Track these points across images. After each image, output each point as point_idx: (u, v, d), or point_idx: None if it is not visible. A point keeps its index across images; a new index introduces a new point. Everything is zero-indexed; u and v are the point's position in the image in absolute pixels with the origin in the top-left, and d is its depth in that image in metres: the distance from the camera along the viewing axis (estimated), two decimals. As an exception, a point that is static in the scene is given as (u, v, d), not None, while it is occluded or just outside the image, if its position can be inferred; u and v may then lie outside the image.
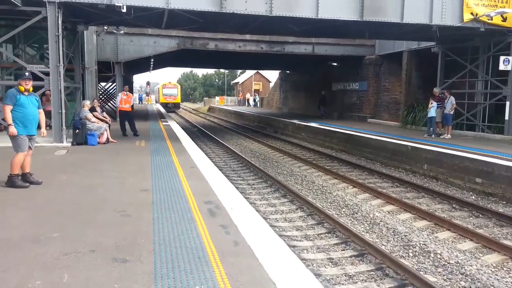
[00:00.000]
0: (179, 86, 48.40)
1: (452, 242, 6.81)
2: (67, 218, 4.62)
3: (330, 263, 5.96)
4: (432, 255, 6.14)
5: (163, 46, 19.21)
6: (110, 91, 26.44)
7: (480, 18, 12.12)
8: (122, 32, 15.69)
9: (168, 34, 19.02)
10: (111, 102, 25.05)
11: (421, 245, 6.54)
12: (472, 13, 12.08)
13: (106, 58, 18.67)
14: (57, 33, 10.06)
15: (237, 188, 9.57)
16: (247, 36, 19.59)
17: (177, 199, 5.57)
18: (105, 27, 15.33)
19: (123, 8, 10.09)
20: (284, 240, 6.84)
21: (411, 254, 6.27)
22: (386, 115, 20.74)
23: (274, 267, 3.44)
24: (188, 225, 4.44)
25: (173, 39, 19.33)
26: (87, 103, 11.65)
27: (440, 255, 6.13)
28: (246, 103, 50.16)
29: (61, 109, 10.20)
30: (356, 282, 5.30)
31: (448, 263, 5.89)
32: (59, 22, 10.07)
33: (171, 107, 42.77)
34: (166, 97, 44.73)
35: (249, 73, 60.14)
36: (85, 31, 14.88)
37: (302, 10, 10.91)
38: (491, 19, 12.20)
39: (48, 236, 4.00)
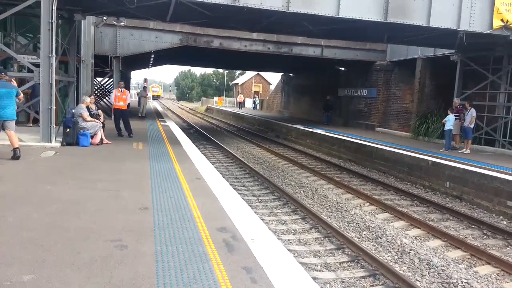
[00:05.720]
0: (160, 86, 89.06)
1: (497, 280, 5.91)
2: (44, 251, 3.55)
3: (361, 305, 5.02)
4: (479, 298, 5.21)
5: (165, 42, 18.11)
6: (107, 87, 25.32)
7: (510, 25, 11.25)
8: (122, 24, 14.62)
9: (171, 29, 17.95)
10: (106, 98, 23.97)
11: (463, 283, 5.61)
12: (502, 20, 11.22)
13: (103, 51, 17.54)
14: (50, 20, 9.01)
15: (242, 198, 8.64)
16: (254, 35, 18.59)
17: (184, 223, 4.57)
18: (104, 18, 14.25)
19: (125, -4, 9.07)
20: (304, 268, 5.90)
21: (453, 295, 5.35)
22: (395, 124, 19.80)
23: None
24: (201, 265, 3.45)
25: (176, 35, 18.26)
26: (87, 99, 10.54)
27: (489, 298, 5.20)
28: (239, 106, 47.05)
29: (51, 105, 9.13)
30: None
31: (500, 310, 4.97)
32: (53, 8, 9.02)
33: (156, 98, 75.66)
34: (153, 92, 76.28)
35: (249, 74, 58.99)
36: (82, 22, 13.85)
37: (322, 7, 9.93)
38: (522, 28, 11.34)
39: (16, 280, 2.96)
